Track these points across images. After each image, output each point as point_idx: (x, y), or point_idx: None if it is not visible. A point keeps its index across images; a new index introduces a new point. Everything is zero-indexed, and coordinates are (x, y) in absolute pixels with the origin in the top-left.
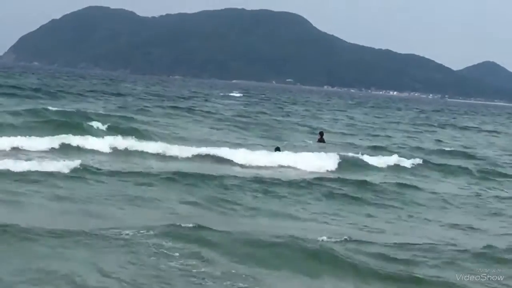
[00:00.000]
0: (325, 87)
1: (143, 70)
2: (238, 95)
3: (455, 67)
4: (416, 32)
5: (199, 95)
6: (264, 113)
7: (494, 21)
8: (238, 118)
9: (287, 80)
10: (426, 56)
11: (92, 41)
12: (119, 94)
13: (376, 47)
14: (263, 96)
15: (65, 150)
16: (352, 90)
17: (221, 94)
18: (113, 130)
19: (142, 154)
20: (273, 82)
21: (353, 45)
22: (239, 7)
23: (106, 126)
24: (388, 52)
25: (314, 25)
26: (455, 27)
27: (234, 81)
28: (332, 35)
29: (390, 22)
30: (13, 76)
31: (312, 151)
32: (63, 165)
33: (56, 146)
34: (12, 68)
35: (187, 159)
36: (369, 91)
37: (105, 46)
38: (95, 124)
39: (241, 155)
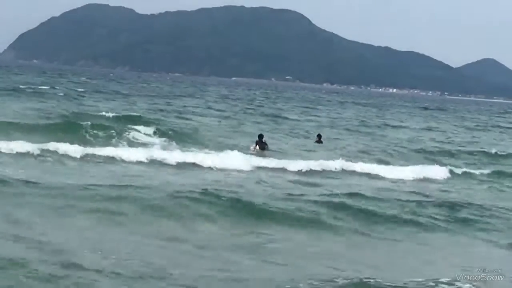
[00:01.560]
0: (324, 84)
1: (142, 67)
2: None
3: (454, 64)
4: (416, 29)
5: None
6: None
7: (494, 18)
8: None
9: (286, 77)
10: (426, 54)
11: (92, 39)
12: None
13: (376, 44)
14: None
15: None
16: (352, 88)
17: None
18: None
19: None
20: (272, 79)
21: (352, 42)
22: (238, 4)
23: (153, 129)
24: (387, 49)
25: (313, 22)
26: (454, 24)
27: (233, 78)
28: (331, 33)
29: (389, 19)
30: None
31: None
32: None
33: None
34: (22, 67)
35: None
36: (368, 88)
37: (104, 44)
38: (147, 129)
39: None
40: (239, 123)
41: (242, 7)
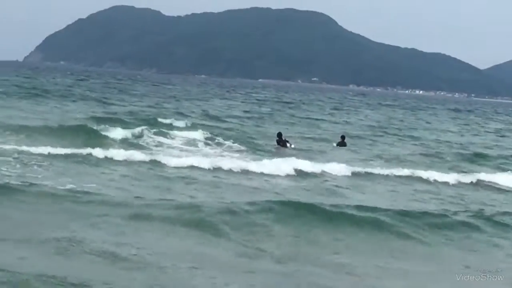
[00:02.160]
0: (351, 86)
1: (168, 69)
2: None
3: (481, 66)
4: (442, 31)
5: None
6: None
7: None
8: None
9: (313, 79)
10: (452, 55)
11: (118, 41)
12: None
13: (402, 46)
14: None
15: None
16: (378, 89)
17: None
18: None
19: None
20: (299, 81)
21: (379, 44)
22: (265, 6)
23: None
24: (413, 51)
25: (339, 24)
26: (481, 26)
27: (259, 80)
28: (358, 34)
29: (415, 21)
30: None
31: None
32: None
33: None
34: (49, 69)
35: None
36: (395, 90)
37: (131, 46)
38: (191, 133)
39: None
40: (268, 124)
41: (269, 9)
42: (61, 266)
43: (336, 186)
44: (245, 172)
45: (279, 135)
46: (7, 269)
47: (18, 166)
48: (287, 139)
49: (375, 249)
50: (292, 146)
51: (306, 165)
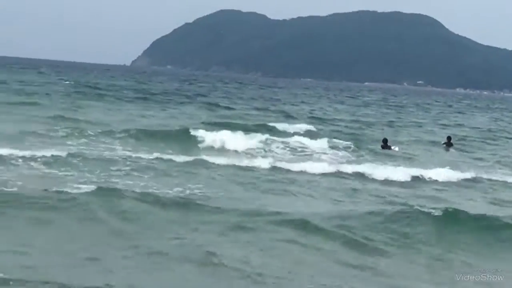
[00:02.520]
0: (457, 89)
1: (274, 72)
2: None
3: None
4: None
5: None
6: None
7: None
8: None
9: (418, 82)
10: None
11: (224, 45)
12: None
13: (510, 48)
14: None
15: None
16: (485, 92)
17: None
18: None
19: None
20: (404, 84)
21: (485, 46)
22: (371, 9)
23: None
24: None
25: (446, 27)
26: None
27: (365, 83)
28: (464, 37)
29: None
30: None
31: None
32: None
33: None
34: (157, 73)
35: None
36: (501, 93)
37: (237, 49)
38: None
39: None
40: (375, 127)
41: (374, 12)
42: (158, 273)
43: (446, 192)
44: (360, 176)
45: (385, 141)
46: (105, 282)
47: (126, 169)
48: (390, 144)
49: None
50: (396, 149)
51: (420, 171)
